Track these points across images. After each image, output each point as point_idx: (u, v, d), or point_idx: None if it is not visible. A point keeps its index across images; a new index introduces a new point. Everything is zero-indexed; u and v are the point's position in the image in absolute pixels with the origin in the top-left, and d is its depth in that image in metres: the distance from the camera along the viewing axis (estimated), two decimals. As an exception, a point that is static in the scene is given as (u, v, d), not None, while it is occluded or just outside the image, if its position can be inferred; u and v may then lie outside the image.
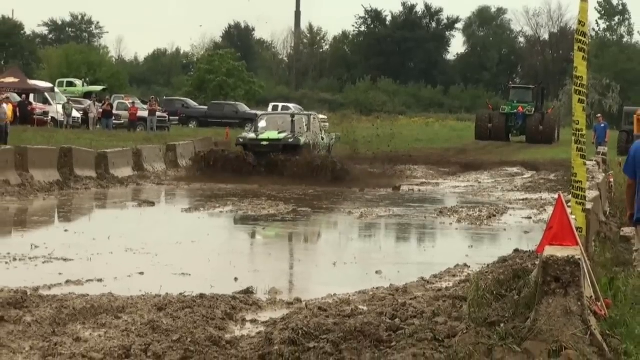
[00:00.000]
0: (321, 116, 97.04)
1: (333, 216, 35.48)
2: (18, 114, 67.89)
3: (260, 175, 42.97)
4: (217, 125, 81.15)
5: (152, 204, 36.06)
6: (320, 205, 37.79)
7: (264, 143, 44.28)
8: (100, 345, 13.93)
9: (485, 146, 75.51)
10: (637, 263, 15.02)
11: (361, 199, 39.64)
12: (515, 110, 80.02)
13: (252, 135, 45.76)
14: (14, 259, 22.62)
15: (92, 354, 13.48)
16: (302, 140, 44.29)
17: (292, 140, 44.26)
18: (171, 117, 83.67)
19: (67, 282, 19.70)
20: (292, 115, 47.46)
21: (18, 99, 73.93)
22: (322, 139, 46.94)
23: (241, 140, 45.80)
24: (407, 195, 42.11)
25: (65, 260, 23.27)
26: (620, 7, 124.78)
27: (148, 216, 33.21)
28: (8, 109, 54.34)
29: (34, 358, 13.33)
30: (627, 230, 18.59)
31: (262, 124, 47.07)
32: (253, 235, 30.61)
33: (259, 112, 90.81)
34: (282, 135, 44.47)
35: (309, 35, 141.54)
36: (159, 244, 26.44)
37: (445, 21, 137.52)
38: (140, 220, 32.62)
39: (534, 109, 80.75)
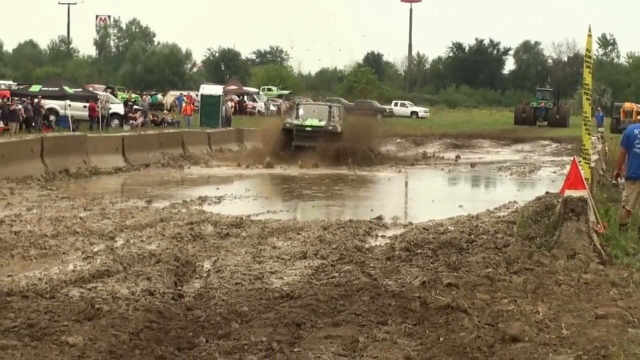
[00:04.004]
0: (423, 109, 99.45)
1: (427, 171, 36.66)
2: (237, 108, 70.86)
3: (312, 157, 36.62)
4: (360, 115, 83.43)
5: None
6: (417, 165, 39.04)
7: (308, 129, 38.47)
8: (288, 250, 14.89)
9: (524, 128, 75.91)
10: (624, 202, 14.97)
11: (433, 164, 40.11)
12: (540, 105, 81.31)
13: (296, 121, 39.41)
14: (235, 197, 24.01)
15: (283, 256, 14.27)
16: (339, 128, 38.84)
17: (331, 127, 38.51)
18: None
19: (268, 211, 20.77)
20: (330, 106, 41.46)
21: (237, 99, 76.66)
22: (347, 127, 40.30)
23: (287, 125, 39.46)
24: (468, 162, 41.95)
25: (266, 198, 24.78)
26: (612, 40, 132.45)
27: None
28: (232, 105, 56.40)
29: (247, 257, 14.07)
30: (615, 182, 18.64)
31: (301, 111, 40.78)
32: (377, 185, 31.14)
33: (387, 107, 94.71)
34: (322, 123, 38.70)
35: (417, 58, 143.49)
36: (326, 189, 27.91)
37: (502, 49, 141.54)
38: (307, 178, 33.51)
39: (552, 104, 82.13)
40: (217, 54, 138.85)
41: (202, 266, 13.39)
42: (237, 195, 24.59)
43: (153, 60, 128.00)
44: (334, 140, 37.85)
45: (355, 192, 27.69)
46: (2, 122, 39.35)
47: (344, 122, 40.09)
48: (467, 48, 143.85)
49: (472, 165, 39.89)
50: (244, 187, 27.17)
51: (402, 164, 38.88)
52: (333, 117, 39.39)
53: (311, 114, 39.78)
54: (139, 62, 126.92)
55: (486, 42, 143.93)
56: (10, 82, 73.18)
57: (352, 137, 38.82)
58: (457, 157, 44.29)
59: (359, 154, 37.63)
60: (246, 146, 44.14)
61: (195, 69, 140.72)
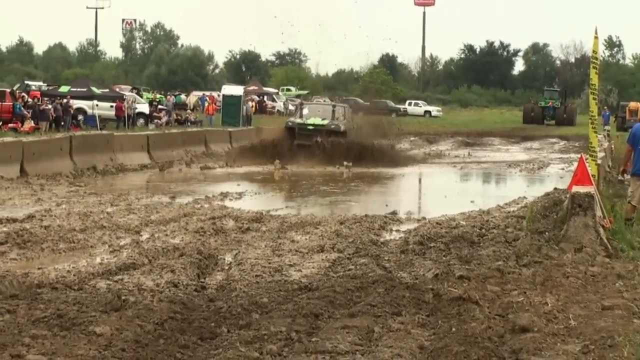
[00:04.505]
0: (436, 108, 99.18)
1: (442, 168, 36.39)
2: (257, 108, 71.06)
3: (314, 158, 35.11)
4: (375, 114, 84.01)
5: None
6: (431, 162, 38.56)
7: (310, 127, 36.60)
8: (306, 244, 14.92)
9: (533, 126, 75.76)
10: (629, 198, 14.97)
11: (449, 162, 39.67)
12: (548, 104, 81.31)
13: (299, 120, 37.74)
14: (255, 193, 24.17)
15: (302, 249, 14.30)
16: (342, 127, 36.82)
17: (334, 126, 36.58)
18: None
19: (286, 207, 20.96)
20: (334, 106, 39.87)
21: (257, 99, 76.96)
22: (353, 127, 38.78)
23: (290, 124, 37.96)
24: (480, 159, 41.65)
25: (290, 193, 25.00)
26: (618, 42, 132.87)
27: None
28: (252, 105, 56.51)
29: (267, 251, 14.10)
30: (622, 178, 18.45)
31: (305, 111, 39.05)
32: (393, 182, 30.90)
33: (401, 106, 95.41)
34: (325, 122, 36.92)
35: (430, 59, 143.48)
36: (342, 185, 28.05)
37: (512, 51, 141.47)
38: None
39: (560, 103, 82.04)
40: (238, 56, 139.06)
41: (224, 259, 13.45)
42: (257, 191, 24.66)
43: (177, 62, 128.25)
44: (338, 139, 36.07)
45: (370, 188, 27.72)
46: (33, 122, 39.56)
47: (349, 122, 38.52)
48: (478, 50, 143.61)
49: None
50: (262, 183, 27.21)
51: (411, 163, 37.83)
52: (337, 116, 37.86)
53: (315, 113, 38.46)
54: (163, 64, 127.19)
55: (497, 44, 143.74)
56: (41, 83, 73.41)
57: (359, 137, 37.48)
58: (469, 153, 44.12)
59: (364, 152, 35.77)
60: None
61: (217, 71, 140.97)
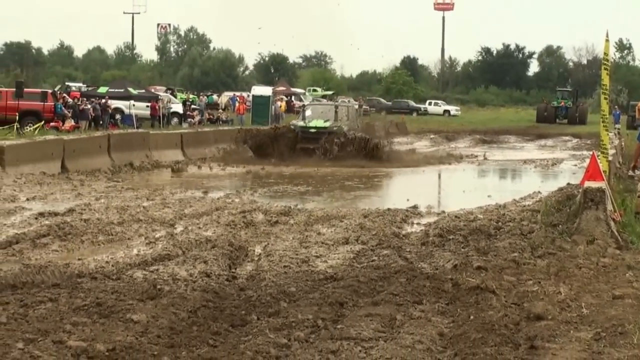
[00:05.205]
0: (455, 107, 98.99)
1: (460, 166, 35.64)
2: (287, 107, 71.58)
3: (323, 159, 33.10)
4: (397, 113, 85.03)
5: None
6: (448, 162, 36.92)
7: (312, 130, 34.22)
8: (332, 236, 14.82)
9: (546, 125, 75.34)
10: (639, 193, 14.75)
11: (465, 160, 38.33)
12: (560, 104, 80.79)
13: (301, 123, 35.24)
14: (283, 188, 24.08)
15: (327, 241, 14.23)
16: (345, 128, 34.49)
17: (336, 128, 34.17)
18: (370, 108, 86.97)
19: (312, 201, 21.02)
20: (336, 106, 37.48)
21: (285, 99, 76.88)
22: (357, 126, 36.64)
23: (292, 127, 35.55)
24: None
25: (317, 189, 24.62)
26: (628, 45, 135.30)
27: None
28: (282, 104, 56.58)
29: (295, 243, 14.07)
30: (632, 173, 18.28)
31: (308, 112, 36.79)
32: (414, 178, 30.76)
33: (421, 106, 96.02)
34: (327, 124, 34.50)
35: (449, 61, 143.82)
36: (369, 182, 28.09)
37: (527, 53, 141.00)
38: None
39: (572, 103, 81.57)
40: (267, 58, 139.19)
41: (254, 251, 13.43)
42: (284, 186, 24.68)
43: (209, 64, 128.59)
44: (341, 141, 33.64)
45: (391, 184, 27.65)
46: (73, 121, 39.80)
47: (353, 122, 36.34)
48: (495, 52, 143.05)
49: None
50: (289, 180, 27.18)
51: (412, 164, 35.01)
52: (340, 117, 35.69)
53: (317, 115, 36.10)
54: (196, 66, 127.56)
55: (512, 46, 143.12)
56: (81, 85, 73.86)
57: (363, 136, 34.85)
58: (484, 156, 40.81)
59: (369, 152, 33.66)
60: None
61: (247, 72, 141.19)
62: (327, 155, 33.20)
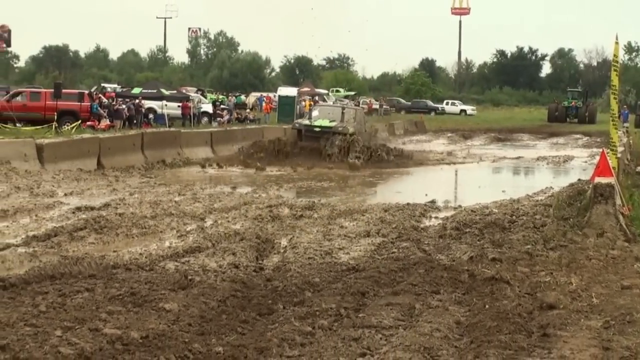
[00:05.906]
0: (471, 107, 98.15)
1: (474, 164, 35.37)
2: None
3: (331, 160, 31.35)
4: (416, 112, 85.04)
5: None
6: (460, 160, 36.53)
7: (317, 129, 32.41)
8: (354, 230, 14.89)
9: (557, 124, 74.79)
10: None
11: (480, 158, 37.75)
12: (571, 104, 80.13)
13: (306, 122, 33.88)
14: (308, 188, 23.79)
15: (350, 234, 14.28)
16: (350, 129, 32.39)
17: (341, 128, 32.23)
18: (391, 108, 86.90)
19: (334, 196, 20.98)
20: (343, 108, 35.88)
21: (309, 99, 77.16)
22: (365, 130, 34.83)
23: (297, 125, 34.20)
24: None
25: (338, 185, 24.50)
26: (636, 47, 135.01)
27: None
28: (306, 104, 56.59)
29: (318, 235, 14.14)
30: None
31: (315, 113, 35.14)
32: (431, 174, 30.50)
33: (439, 106, 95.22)
34: (333, 124, 32.64)
35: (465, 63, 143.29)
36: (389, 178, 28.11)
37: (540, 55, 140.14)
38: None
39: (582, 103, 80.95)
40: (292, 61, 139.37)
41: (280, 243, 13.45)
42: (308, 182, 24.68)
43: (237, 66, 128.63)
44: (343, 142, 32.13)
45: (410, 180, 27.65)
46: (108, 120, 39.87)
47: (360, 124, 34.11)
48: (509, 54, 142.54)
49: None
50: (312, 176, 27.12)
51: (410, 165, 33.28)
52: (346, 119, 33.50)
53: (324, 115, 34.19)
54: (225, 68, 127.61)
55: (526, 49, 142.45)
56: (115, 86, 73.84)
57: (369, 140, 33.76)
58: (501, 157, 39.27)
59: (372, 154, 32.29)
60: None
61: (273, 74, 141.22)
62: (331, 157, 31.55)
